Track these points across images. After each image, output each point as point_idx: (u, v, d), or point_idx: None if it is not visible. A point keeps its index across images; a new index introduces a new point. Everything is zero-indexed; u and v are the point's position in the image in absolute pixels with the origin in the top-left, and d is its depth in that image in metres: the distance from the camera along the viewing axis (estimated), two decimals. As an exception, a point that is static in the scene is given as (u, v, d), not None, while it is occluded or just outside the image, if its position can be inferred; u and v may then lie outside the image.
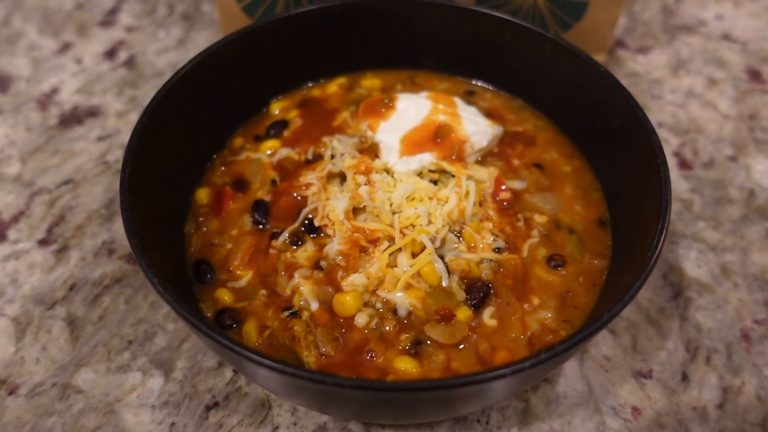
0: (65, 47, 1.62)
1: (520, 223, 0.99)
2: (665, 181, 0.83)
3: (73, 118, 1.43)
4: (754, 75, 1.53)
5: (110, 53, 1.61)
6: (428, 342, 0.87)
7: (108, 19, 1.71)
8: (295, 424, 0.92)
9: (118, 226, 1.20)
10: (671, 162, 1.32)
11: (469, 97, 1.22)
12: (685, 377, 0.98)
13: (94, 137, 1.38)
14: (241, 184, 1.08)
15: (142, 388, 0.96)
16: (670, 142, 1.36)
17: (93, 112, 1.45)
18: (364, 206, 0.96)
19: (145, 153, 0.92)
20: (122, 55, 1.60)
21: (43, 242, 1.17)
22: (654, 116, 1.42)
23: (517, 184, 1.05)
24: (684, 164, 1.32)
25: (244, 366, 0.73)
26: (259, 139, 1.16)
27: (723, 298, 1.09)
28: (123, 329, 1.04)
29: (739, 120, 1.42)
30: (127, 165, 0.86)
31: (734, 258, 1.15)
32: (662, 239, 0.77)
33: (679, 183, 1.28)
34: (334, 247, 0.92)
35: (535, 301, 0.91)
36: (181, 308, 0.70)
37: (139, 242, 0.77)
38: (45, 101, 1.47)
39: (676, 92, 1.49)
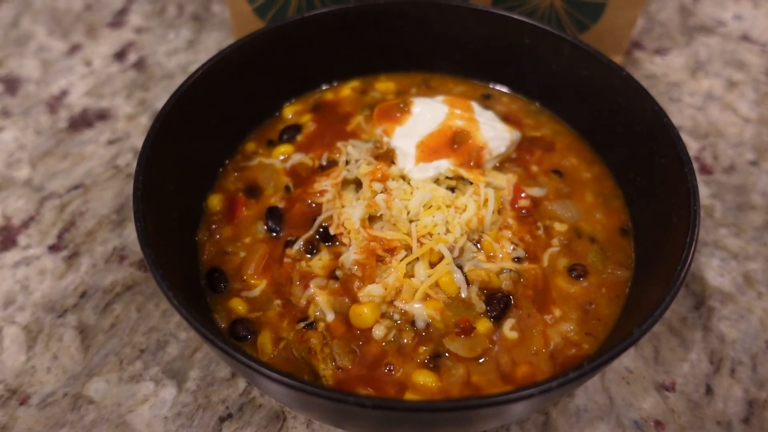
0: (74, 49, 1.61)
1: (540, 232, 0.97)
2: (693, 191, 0.80)
3: (82, 121, 1.42)
4: (775, 77, 1.50)
5: (119, 55, 1.59)
6: (447, 355, 0.85)
7: (117, 20, 1.69)
8: (310, 437, 0.91)
9: (129, 232, 1.18)
10: (691, 167, 1.29)
11: (486, 101, 1.19)
12: (709, 390, 0.96)
13: (104, 141, 1.37)
14: (254, 191, 1.06)
15: (155, 399, 0.95)
16: (689, 147, 1.33)
17: (103, 115, 1.43)
18: (380, 214, 0.94)
19: (157, 160, 0.91)
20: (132, 57, 1.58)
21: (53, 248, 1.16)
22: (673, 120, 1.38)
23: (536, 191, 1.03)
24: (704, 169, 1.29)
25: (257, 381, 0.72)
26: (271, 144, 1.14)
27: (747, 307, 1.06)
28: (135, 338, 1.02)
29: (760, 123, 1.38)
30: (140, 173, 0.84)
31: (758, 266, 1.12)
32: (692, 252, 0.75)
33: (699, 188, 1.24)
34: (351, 257, 0.90)
35: (557, 312, 0.89)
36: (197, 322, 0.68)
37: (152, 253, 0.75)
38: (54, 104, 1.46)
39: (694, 95, 1.46)
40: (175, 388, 0.96)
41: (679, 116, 1.40)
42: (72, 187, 1.27)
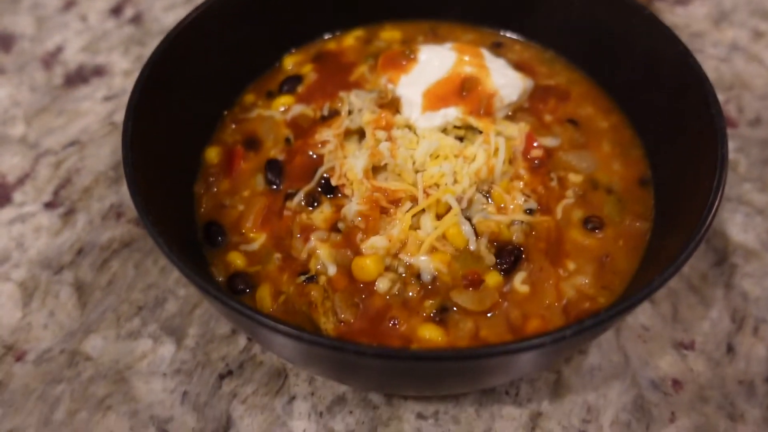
0: (69, 4, 1.55)
1: (554, 183, 0.92)
2: (721, 133, 0.74)
3: (78, 78, 1.37)
4: (805, 26, 1.41)
5: (116, 10, 1.53)
6: (455, 309, 0.81)
7: (113, -25, 1.63)
8: (312, 395, 0.88)
9: (126, 189, 1.14)
10: (714, 120, 1.22)
11: (497, 49, 1.13)
12: (730, 349, 0.91)
13: (100, 97, 1.32)
14: (253, 143, 1.02)
15: (153, 356, 0.92)
16: (712, 99, 1.26)
17: (99, 71, 1.38)
18: (385, 165, 0.90)
19: (148, 108, 0.86)
20: (128, 12, 1.53)
21: (49, 205, 1.12)
22: (695, 71, 1.31)
23: (549, 141, 0.97)
24: (728, 122, 1.22)
25: (257, 333, 0.68)
26: (271, 96, 1.08)
27: (771, 264, 1.01)
28: (132, 295, 0.99)
29: (788, 75, 1.31)
30: (129, 119, 0.79)
31: (783, 222, 1.06)
32: (719, 196, 0.69)
33: (722, 142, 1.18)
34: (353, 208, 0.86)
35: (571, 266, 0.84)
36: (190, 270, 0.64)
37: (142, 200, 0.71)
38: (49, 60, 1.41)
39: (718, 46, 1.38)
40: (173, 345, 0.93)
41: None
42: (68, 143, 1.23)
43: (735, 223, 1.06)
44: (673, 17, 1.45)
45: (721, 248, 1.03)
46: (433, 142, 0.90)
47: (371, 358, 0.61)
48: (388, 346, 0.73)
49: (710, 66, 1.33)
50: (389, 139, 0.91)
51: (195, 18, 0.96)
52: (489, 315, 0.80)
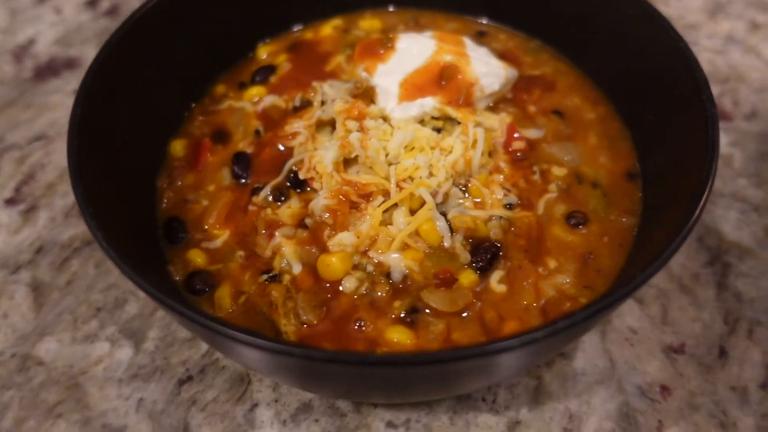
0: (45, -4, 1.51)
1: (536, 177, 0.87)
2: (711, 119, 0.69)
3: (49, 71, 1.32)
4: (804, 18, 1.36)
5: (92, 2, 1.48)
6: (426, 310, 0.75)
7: (91, -33, 1.58)
8: (276, 401, 0.82)
9: (92, 185, 1.09)
10: (708, 113, 1.17)
11: (481, 38, 1.08)
12: (723, 353, 0.86)
13: (70, 90, 1.27)
14: (221, 135, 0.97)
15: (110, 360, 0.87)
16: (706, 92, 1.21)
17: (71, 64, 1.33)
18: (356, 157, 0.84)
19: (105, 95, 0.81)
20: (104, 4, 1.48)
21: (10, 202, 1.07)
22: (689, 63, 1.26)
23: (532, 133, 0.92)
24: (723, 115, 1.17)
25: (204, 336, 0.63)
26: (243, 86, 1.03)
27: (768, 264, 0.95)
28: (92, 295, 0.94)
29: (786, 67, 1.26)
30: (79, 105, 0.74)
31: (781, 219, 1.01)
32: (708, 187, 0.64)
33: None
34: (320, 202, 0.81)
35: (552, 264, 0.79)
36: (128, 267, 0.59)
37: (84, 192, 0.66)
38: (20, 53, 1.36)
39: (713, 38, 1.33)
40: (132, 348, 0.88)
41: (695, 60, 1.27)
42: (34, 138, 1.18)
43: (729, 221, 1.00)
44: (667, 8, 1.40)
45: (714, 246, 0.97)
46: (408, 133, 0.85)
47: (325, 364, 0.56)
48: (338, 350, 0.68)
49: (705, 58, 1.28)
50: (361, 129, 0.85)
51: (158, 3, 0.91)
52: (462, 316, 0.74)
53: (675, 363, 0.85)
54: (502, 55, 1.03)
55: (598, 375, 0.84)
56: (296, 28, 1.13)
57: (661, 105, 0.83)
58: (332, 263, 0.76)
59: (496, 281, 0.77)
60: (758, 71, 1.25)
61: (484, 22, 1.10)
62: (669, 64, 0.80)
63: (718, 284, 0.93)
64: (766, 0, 1.41)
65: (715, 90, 1.20)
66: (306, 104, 0.96)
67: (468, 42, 0.99)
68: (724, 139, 1.13)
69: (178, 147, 0.95)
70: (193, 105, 1.02)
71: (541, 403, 0.82)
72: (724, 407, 0.81)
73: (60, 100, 1.26)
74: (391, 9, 1.14)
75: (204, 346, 0.87)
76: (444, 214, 0.81)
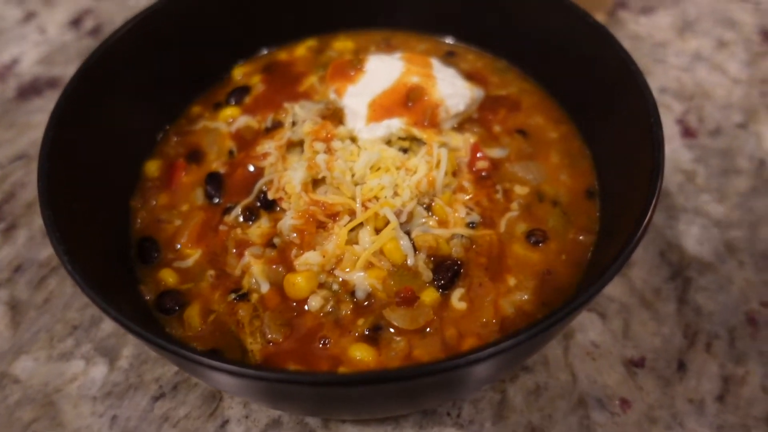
0: (29, 16, 1.53)
1: (499, 195, 0.89)
2: (657, 141, 0.72)
3: (32, 90, 1.35)
4: (768, 36, 1.40)
5: (75, 22, 1.51)
6: (390, 329, 0.77)
7: (75, -14, 1.61)
8: (246, 417, 0.84)
9: (71, 203, 1.11)
10: (674, 130, 1.20)
11: (450, 58, 1.11)
12: (681, 366, 0.89)
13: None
14: (196, 156, 0.99)
15: (84, 378, 0.89)
16: (673, 109, 1.25)
17: (53, 84, 1.36)
18: (323, 177, 0.87)
19: (78, 118, 0.84)
20: (88, 24, 1.51)
21: (-10, 221, 1.09)
22: (656, 81, 1.30)
23: (496, 152, 0.95)
24: (688, 132, 1.20)
25: (167, 357, 0.65)
26: (218, 107, 1.06)
27: (727, 277, 0.98)
28: (68, 314, 0.96)
29: (750, 84, 1.29)
30: (51, 129, 0.77)
31: (741, 234, 1.04)
32: (653, 203, 0.67)
33: (681, 153, 1.17)
34: (287, 222, 0.83)
35: (511, 281, 0.81)
36: (90, 289, 0.61)
37: (53, 216, 0.68)
38: (4, 73, 1.39)
39: (681, 55, 1.36)
40: (106, 366, 0.90)
41: (663, 78, 1.31)
42: (15, 157, 1.20)
43: (691, 236, 1.03)
44: (636, 26, 1.44)
45: (675, 261, 1.00)
46: (374, 154, 0.87)
47: (283, 385, 0.58)
48: (295, 372, 0.70)
49: (672, 76, 1.31)
50: (328, 151, 0.88)
51: (134, 26, 0.94)
52: (424, 333, 0.77)
53: (635, 377, 0.88)
54: (470, 75, 1.06)
55: (560, 389, 0.87)
56: (271, 49, 1.15)
57: (615, 125, 0.86)
58: (297, 282, 0.78)
59: (457, 299, 0.79)
60: (723, 88, 1.28)
61: (454, 42, 1.13)
62: (622, 87, 0.83)
63: (678, 299, 0.96)
64: (733, 17, 1.45)
65: (681, 107, 1.25)
66: (277, 125, 0.99)
67: (436, 63, 1.02)
68: (688, 156, 1.16)
69: (152, 167, 0.97)
70: (168, 126, 1.04)
71: (504, 417, 0.84)
72: (681, 419, 0.84)
73: (42, 119, 1.26)
74: (364, 30, 1.17)
75: (176, 363, 0.89)
76: (408, 233, 0.84)
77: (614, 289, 0.96)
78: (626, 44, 1.39)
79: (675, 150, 1.17)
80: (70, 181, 0.78)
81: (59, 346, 0.92)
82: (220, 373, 0.57)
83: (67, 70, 1.39)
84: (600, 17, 1.39)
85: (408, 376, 0.58)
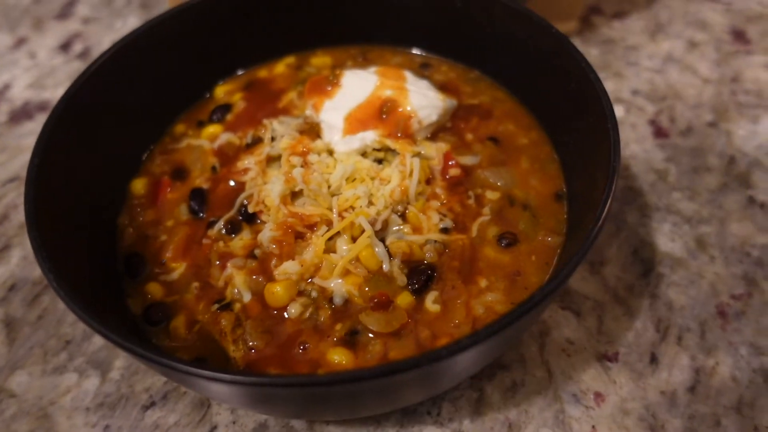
0: (20, 42, 1.58)
1: (471, 201, 0.93)
2: (614, 145, 0.75)
3: (23, 114, 1.39)
4: (738, 36, 1.44)
5: (65, 46, 1.56)
6: (369, 334, 0.81)
7: (65, 12, 1.66)
8: (234, 423, 0.87)
9: (63, 223, 1.15)
10: (646, 131, 1.24)
11: (424, 70, 1.15)
12: (653, 359, 0.92)
13: (43, 132, 1.33)
14: (180, 173, 1.03)
15: (77, 390, 0.92)
16: (645, 110, 1.28)
17: (44, 107, 1.40)
18: (300, 189, 0.90)
19: (65, 142, 0.87)
20: (77, 48, 1.55)
21: (-16, 242, 1.13)
22: (629, 83, 1.34)
23: (468, 160, 0.98)
24: (660, 133, 1.24)
25: (153, 367, 0.68)
26: (201, 125, 1.10)
27: (698, 272, 1.01)
28: (62, 329, 0.99)
29: (721, 83, 1.33)
30: (36, 156, 0.80)
31: (711, 229, 1.07)
32: (607, 205, 0.70)
33: (654, 153, 1.20)
34: (267, 234, 0.87)
35: (483, 283, 0.84)
36: (75, 305, 0.65)
37: (40, 238, 0.72)
38: (-4, 98, 1.43)
39: (653, 57, 1.40)
40: (98, 378, 0.93)
41: (635, 80, 1.35)
42: (8, 180, 1.24)
43: (663, 233, 1.07)
44: (609, 31, 1.48)
45: (648, 258, 1.03)
46: (349, 166, 0.91)
47: (263, 388, 0.61)
48: (276, 375, 0.73)
49: (645, 78, 1.35)
50: (304, 164, 0.92)
51: (116, 51, 0.98)
52: (399, 336, 0.80)
53: (609, 371, 0.91)
54: (443, 86, 1.10)
55: (536, 385, 0.90)
56: (253, 67, 1.19)
57: (578, 131, 0.90)
58: (276, 291, 0.82)
59: (431, 301, 0.82)
60: (694, 88, 1.32)
61: (427, 54, 1.17)
62: (583, 94, 0.86)
63: (651, 294, 0.99)
64: (704, 19, 1.49)
65: (653, 108, 1.29)
66: (257, 141, 1.02)
67: (409, 76, 1.06)
68: (660, 155, 1.20)
69: (138, 186, 1.01)
70: (153, 146, 1.08)
71: (482, 414, 0.87)
72: (654, 411, 0.87)
73: (33, 142, 1.32)
74: (341, 46, 1.21)
75: (166, 374, 0.93)
76: (383, 240, 0.87)
77: (588, 286, 1.00)
78: (599, 49, 1.44)
79: (647, 150, 1.20)
80: (58, 203, 0.82)
81: (53, 361, 0.96)
82: (204, 381, 0.60)
83: (57, 93, 1.43)
84: (572, 24, 1.44)
85: (383, 373, 0.61)
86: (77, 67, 1.49)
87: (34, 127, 1.35)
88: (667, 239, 1.06)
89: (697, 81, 1.34)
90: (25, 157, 1.29)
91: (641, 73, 1.36)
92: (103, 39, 1.57)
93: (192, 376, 0.60)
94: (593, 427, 0.85)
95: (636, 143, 1.21)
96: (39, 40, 1.59)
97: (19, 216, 1.17)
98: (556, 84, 0.96)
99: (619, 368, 0.91)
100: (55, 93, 1.43)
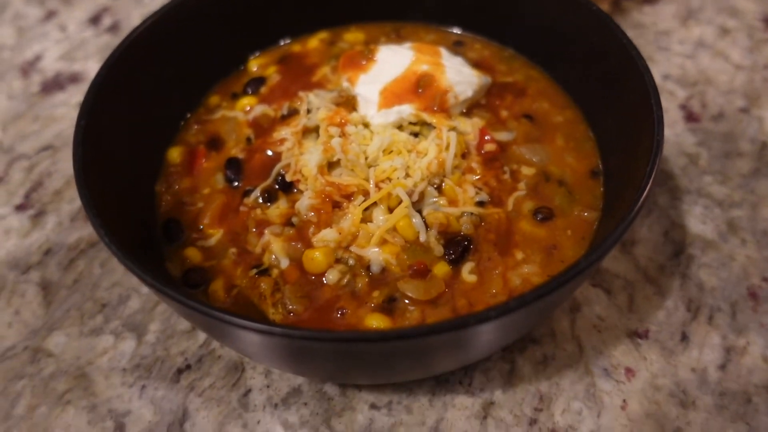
0: (50, 15, 1.59)
1: (506, 176, 0.93)
2: (658, 121, 0.76)
3: (55, 85, 1.40)
4: (771, 23, 1.43)
5: (94, 19, 1.57)
6: (405, 300, 0.82)
7: (94, -15, 1.67)
8: (268, 387, 0.89)
9: (97, 191, 1.17)
10: (677, 115, 1.24)
11: (458, 48, 1.15)
12: (684, 337, 0.92)
13: (75, 103, 1.35)
14: (215, 143, 1.04)
15: (114, 351, 0.94)
16: (676, 95, 1.28)
17: (75, 78, 1.41)
18: (338, 160, 0.91)
19: (106, 108, 0.88)
20: (106, 21, 1.56)
21: (20, 207, 1.15)
22: (660, 68, 1.33)
23: (504, 136, 0.98)
24: (691, 117, 1.23)
25: (201, 323, 0.69)
26: (235, 97, 1.11)
27: (729, 255, 1.01)
28: (97, 293, 1.01)
29: (753, 70, 1.32)
30: (82, 118, 0.82)
31: (743, 213, 1.07)
32: (651, 178, 0.70)
33: (685, 136, 1.20)
34: (305, 202, 0.88)
35: (519, 255, 0.85)
36: (128, 260, 0.66)
37: (89, 196, 0.73)
38: (28, 69, 1.44)
39: (684, 43, 1.39)
40: (134, 340, 0.95)
41: (666, 64, 1.34)
42: (41, 148, 1.26)
43: (694, 215, 1.07)
44: (640, 15, 1.47)
45: (679, 240, 1.04)
46: (386, 138, 0.92)
47: (306, 342, 0.62)
48: (318, 330, 0.74)
49: (675, 63, 1.35)
50: (342, 135, 0.92)
51: (154, 22, 0.99)
52: (436, 304, 0.81)
53: (639, 347, 0.91)
54: (477, 64, 1.10)
55: (567, 359, 0.90)
56: (285, 41, 1.20)
57: (618, 109, 0.90)
58: (316, 257, 0.83)
59: (467, 272, 0.83)
60: (725, 74, 1.31)
61: (461, 32, 1.17)
62: (623, 72, 0.86)
63: (682, 275, 0.99)
64: (736, 6, 1.48)
65: (684, 93, 1.28)
66: (293, 112, 1.03)
67: (444, 52, 1.06)
68: (691, 139, 1.19)
69: (175, 154, 1.02)
70: (189, 115, 1.09)
71: (513, 385, 0.88)
72: (684, 387, 0.87)
73: (65, 112, 1.33)
74: (374, 22, 1.21)
75: (201, 338, 0.94)
76: (420, 212, 0.88)
77: (619, 266, 1.00)
78: (630, 33, 1.43)
79: (678, 134, 1.20)
80: (100, 166, 0.83)
81: (89, 323, 0.97)
82: (249, 332, 0.61)
83: (87, 66, 1.44)
84: (604, 7, 1.43)
85: (421, 333, 0.62)
86: (107, 41, 1.50)
87: (65, 98, 1.36)
88: (698, 222, 1.06)
89: (728, 67, 1.33)
90: (58, 127, 1.30)
91: (672, 58, 1.36)
92: (132, 13, 1.58)
93: (241, 328, 0.61)
94: (624, 401, 0.86)
95: (667, 127, 1.21)
96: (68, 13, 1.60)
97: (53, 183, 1.19)
98: (594, 63, 0.96)
99: (650, 345, 0.91)
100: (85, 65, 1.44)
